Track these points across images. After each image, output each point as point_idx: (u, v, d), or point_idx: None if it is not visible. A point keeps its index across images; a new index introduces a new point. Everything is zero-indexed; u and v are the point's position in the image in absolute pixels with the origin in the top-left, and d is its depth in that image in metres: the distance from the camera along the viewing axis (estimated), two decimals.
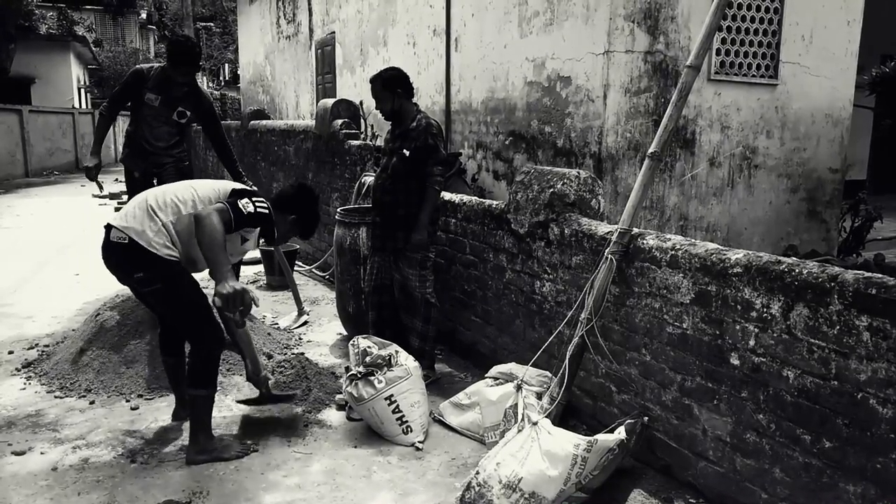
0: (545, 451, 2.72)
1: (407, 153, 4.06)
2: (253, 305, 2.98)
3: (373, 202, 4.35)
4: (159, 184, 4.84)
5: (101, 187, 5.18)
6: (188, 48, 4.54)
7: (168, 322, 3.50)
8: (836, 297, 2.28)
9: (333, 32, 11.29)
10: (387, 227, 4.18)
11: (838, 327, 2.29)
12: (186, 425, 3.57)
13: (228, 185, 3.34)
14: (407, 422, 3.45)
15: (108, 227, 3.14)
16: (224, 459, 3.24)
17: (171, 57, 4.52)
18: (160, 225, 3.08)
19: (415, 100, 4.28)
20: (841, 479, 2.30)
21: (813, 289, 2.36)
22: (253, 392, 3.86)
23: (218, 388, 4.01)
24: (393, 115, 4.15)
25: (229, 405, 3.87)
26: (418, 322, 4.19)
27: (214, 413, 3.72)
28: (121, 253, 3.08)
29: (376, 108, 4.21)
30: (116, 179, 16.22)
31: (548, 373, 3.43)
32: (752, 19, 5.97)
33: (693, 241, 2.94)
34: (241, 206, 3.07)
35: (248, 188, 3.40)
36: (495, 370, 3.63)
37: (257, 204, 3.17)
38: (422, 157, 4.03)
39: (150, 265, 3.06)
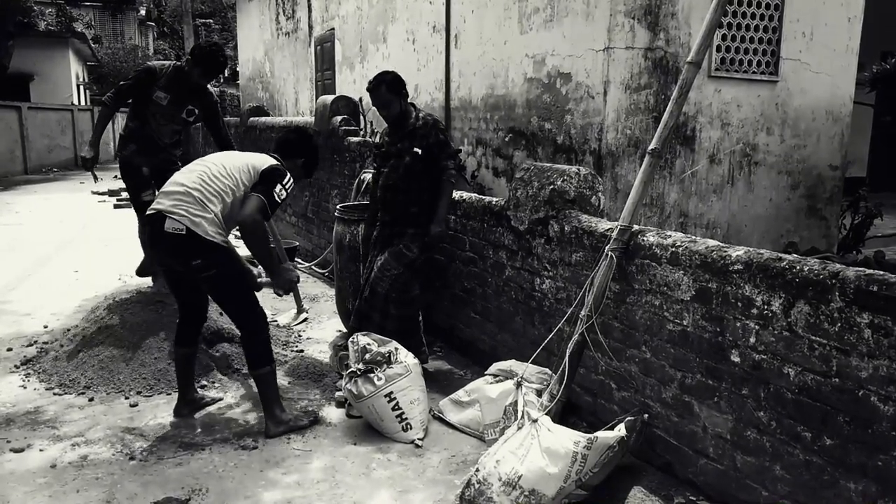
0: (545, 448, 2.71)
1: (420, 151, 4.08)
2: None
3: (381, 202, 4.29)
4: (164, 181, 4.83)
5: (96, 178, 5.12)
6: (221, 59, 4.58)
7: (195, 310, 3.62)
8: (837, 294, 2.27)
9: (333, 29, 11.27)
10: (396, 224, 4.17)
11: (839, 324, 2.28)
12: (189, 422, 3.58)
13: (258, 162, 3.43)
14: (406, 419, 3.44)
15: (158, 217, 3.22)
16: (300, 428, 3.48)
17: (201, 63, 4.51)
18: (213, 215, 3.26)
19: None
20: (842, 477, 2.29)
21: (814, 286, 2.35)
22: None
23: (217, 387, 4.02)
24: (400, 116, 4.15)
25: (229, 403, 3.87)
26: (376, 315, 4.16)
27: (214, 411, 3.73)
28: (179, 243, 3.21)
29: (382, 115, 4.20)
30: (115, 176, 16.19)
31: (548, 370, 3.42)
32: (753, 16, 5.95)
33: (693, 238, 2.93)
34: (276, 195, 3.32)
35: (275, 164, 3.45)
36: (495, 367, 3.62)
37: (287, 185, 3.40)
38: (434, 153, 4.10)
39: (208, 252, 3.23)
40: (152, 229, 3.30)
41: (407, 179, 4.13)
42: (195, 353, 3.70)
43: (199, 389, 3.96)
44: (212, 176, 3.33)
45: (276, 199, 3.31)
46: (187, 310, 3.60)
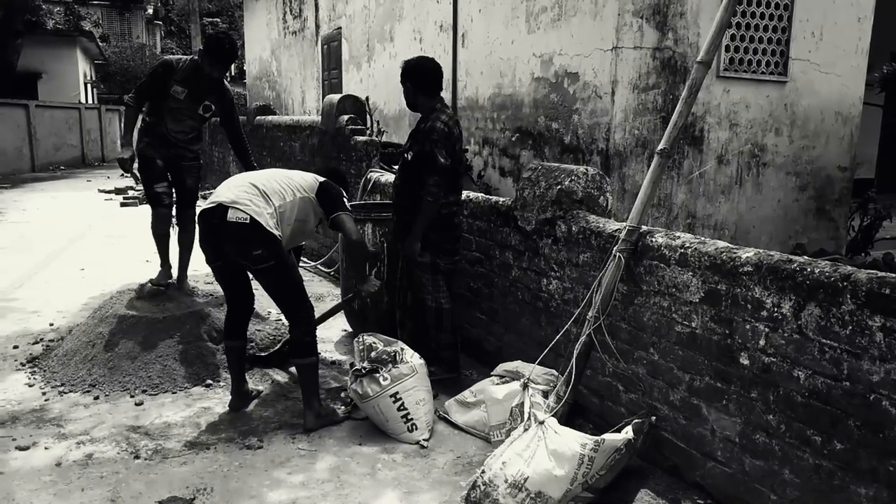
0: (551, 450, 2.69)
1: (409, 157, 3.99)
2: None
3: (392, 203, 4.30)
4: (178, 179, 4.85)
5: (137, 179, 5.06)
6: (227, 46, 4.53)
7: (244, 304, 3.72)
8: (848, 296, 2.25)
9: (340, 28, 11.27)
10: (401, 230, 4.12)
11: (850, 327, 2.25)
12: (194, 421, 3.57)
13: (313, 176, 3.70)
14: (412, 419, 3.43)
15: (219, 209, 3.32)
16: (336, 422, 3.55)
17: (208, 53, 4.48)
18: (274, 209, 3.40)
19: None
20: (852, 482, 2.27)
21: (825, 288, 2.32)
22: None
23: (223, 385, 4.02)
24: (414, 108, 4.07)
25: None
26: (431, 330, 4.13)
27: (219, 411, 3.72)
28: (241, 232, 3.30)
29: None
30: (122, 175, 16.24)
31: (554, 371, 3.40)
32: (762, 15, 5.92)
33: (703, 239, 2.91)
34: (349, 209, 3.63)
35: (329, 181, 3.71)
36: (501, 368, 3.61)
37: (347, 198, 3.72)
38: (421, 162, 3.87)
39: (268, 244, 3.33)
40: (212, 222, 3.35)
41: (402, 184, 4.08)
42: (245, 346, 3.82)
43: (206, 388, 3.97)
44: (272, 177, 3.55)
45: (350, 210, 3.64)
46: (236, 304, 3.70)
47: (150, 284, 4.74)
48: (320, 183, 3.64)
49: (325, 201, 3.59)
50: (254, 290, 3.77)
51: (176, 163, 4.80)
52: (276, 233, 3.36)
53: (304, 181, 3.62)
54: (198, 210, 5.06)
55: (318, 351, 3.61)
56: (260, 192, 3.40)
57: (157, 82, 4.58)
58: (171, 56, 4.83)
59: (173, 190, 4.88)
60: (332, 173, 3.99)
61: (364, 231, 4.68)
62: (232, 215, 3.29)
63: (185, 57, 4.75)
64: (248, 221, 3.28)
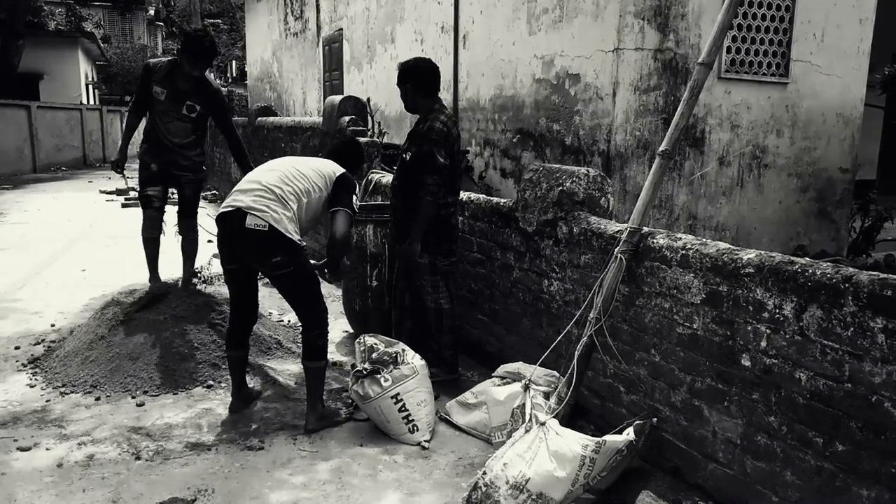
0: (553, 451, 2.69)
1: (407, 158, 3.99)
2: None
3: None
4: (177, 187, 4.85)
5: (125, 179, 5.09)
6: (207, 44, 4.47)
7: (249, 311, 3.71)
8: (850, 298, 2.25)
9: (341, 29, 11.28)
10: (400, 230, 4.12)
11: (852, 329, 2.25)
12: (195, 422, 3.57)
13: (330, 168, 3.61)
14: (413, 421, 3.43)
15: (237, 214, 3.27)
16: (337, 424, 3.57)
17: (186, 51, 4.44)
18: (292, 213, 3.35)
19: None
20: (854, 483, 2.27)
21: (827, 290, 2.32)
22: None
23: (224, 387, 4.02)
24: (412, 110, 4.08)
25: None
26: (433, 331, 4.12)
27: (222, 412, 3.73)
28: (260, 239, 3.26)
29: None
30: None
31: (556, 372, 3.40)
32: (764, 17, 5.92)
33: (704, 240, 2.91)
34: (354, 206, 3.57)
35: (345, 171, 3.64)
36: (502, 369, 3.60)
37: (357, 194, 3.65)
38: (420, 162, 3.86)
39: (287, 250, 3.30)
40: (230, 226, 3.31)
41: (401, 184, 4.07)
42: (247, 355, 3.79)
43: (207, 389, 3.97)
44: (289, 177, 3.44)
45: (355, 209, 3.58)
46: (241, 311, 3.65)
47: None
48: (337, 178, 3.56)
49: (335, 194, 3.54)
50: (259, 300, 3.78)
51: (172, 170, 4.80)
52: (296, 237, 3.32)
53: (321, 179, 3.52)
54: (200, 213, 5.09)
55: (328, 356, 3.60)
56: (277, 197, 3.32)
57: (142, 86, 4.63)
58: (152, 59, 4.84)
59: (168, 196, 4.89)
60: (349, 145, 4.05)
61: (365, 232, 4.68)
62: (250, 222, 3.24)
63: (166, 58, 4.77)
64: (266, 229, 3.23)
